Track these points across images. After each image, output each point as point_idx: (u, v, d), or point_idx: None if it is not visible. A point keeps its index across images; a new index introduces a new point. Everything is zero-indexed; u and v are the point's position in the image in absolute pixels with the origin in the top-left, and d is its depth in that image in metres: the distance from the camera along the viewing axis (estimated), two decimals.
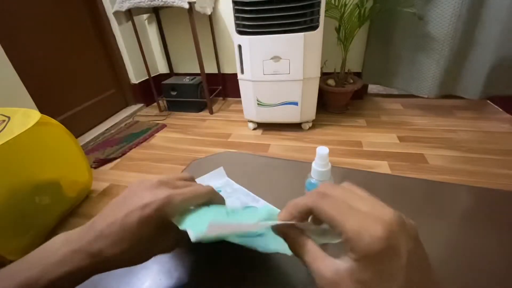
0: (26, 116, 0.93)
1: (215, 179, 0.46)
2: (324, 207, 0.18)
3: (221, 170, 0.46)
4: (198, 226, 0.22)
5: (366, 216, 0.17)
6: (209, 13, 1.72)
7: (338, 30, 1.57)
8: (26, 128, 0.86)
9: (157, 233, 0.23)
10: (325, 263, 0.18)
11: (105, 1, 1.75)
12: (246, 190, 0.43)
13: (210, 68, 2.08)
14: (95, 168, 1.41)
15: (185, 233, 0.22)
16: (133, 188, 0.26)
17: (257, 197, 0.41)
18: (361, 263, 0.16)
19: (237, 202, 0.40)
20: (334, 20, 1.54)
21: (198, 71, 1.81)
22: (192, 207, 0.26)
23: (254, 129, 1.69)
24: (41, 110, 1.12)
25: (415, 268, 0.16)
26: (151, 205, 0.22)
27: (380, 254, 0.15)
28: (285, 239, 0.21)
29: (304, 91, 1.44)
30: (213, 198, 0.28)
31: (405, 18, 1.52)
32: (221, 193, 0.40)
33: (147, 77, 1.99)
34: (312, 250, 0.19)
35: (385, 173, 1.20)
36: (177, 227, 0.23)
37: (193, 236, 0.21)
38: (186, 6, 1.51)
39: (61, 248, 0.21)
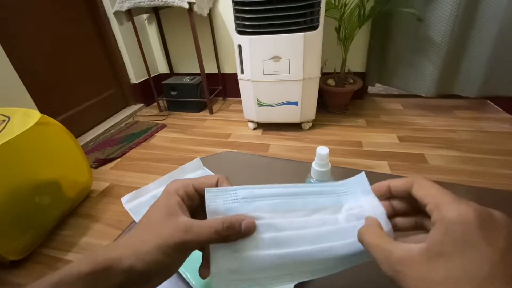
0: (26, 116, 0.93)
1: (192, 172, 0.46)
2: (425, 182, 0.20)
3: (197, 160, 0.47)
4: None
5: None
6: (205, 14, 1.71)
7: (338, 30, 1.56)
8: (26, 128, 0.86)
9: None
10: (393, 244, 0.19)
11: (105, 1, 1.75)
12: None
13: (210, 68, 2.08)
14: (95, 168, 1.41)
15: None
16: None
17: None
18: (448, 236, 0.16)
19: None
20: (334, 20, 1.54)
21: (198, 71, 1.80)
22: None
23: (254, 129, 1.69)
24: (41, 110, 1.12)
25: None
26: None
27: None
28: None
29: (304, 91, 1.44)
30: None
31: (404, 19, 1.52)
32: None
33: (147, 77, 1.99)
34: (376, 231, 0.20)
35: (385, 173, 1.20)
36: None
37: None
38: (186, 6, 1.50)
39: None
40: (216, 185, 0.24)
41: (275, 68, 1.38)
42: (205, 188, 0.22)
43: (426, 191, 0.20)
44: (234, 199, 0.22)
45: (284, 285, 0.22)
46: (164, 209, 0.21)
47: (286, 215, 0.23)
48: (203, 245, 0.22)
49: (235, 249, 0.21)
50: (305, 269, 0.23)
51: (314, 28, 1.27)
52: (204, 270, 0.22)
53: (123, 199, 0.40)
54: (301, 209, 0.23)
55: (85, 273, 0.18)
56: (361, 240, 0.21)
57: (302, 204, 0.23)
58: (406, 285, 0.16)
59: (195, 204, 0.24)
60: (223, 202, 0.22)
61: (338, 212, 0.24)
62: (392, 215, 0.23)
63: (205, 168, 0.48)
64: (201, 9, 1.64)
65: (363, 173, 0.24)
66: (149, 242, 0.20)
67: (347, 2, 1.44)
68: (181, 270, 0.32)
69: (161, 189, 0.43)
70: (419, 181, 0.20)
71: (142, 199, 0.41)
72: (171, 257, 0.20)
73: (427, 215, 0.19)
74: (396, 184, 0.22)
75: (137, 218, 0.38)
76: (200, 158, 0.49)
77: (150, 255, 0.19)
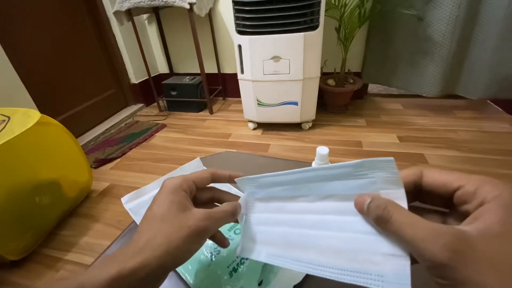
0: (26, 116, 0.93)
1: (191, 172, 0.46)
2: (435, 169, 0.18)
3: (197, 160, 0.47)
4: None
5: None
6: (203, 15, 1.70)
7: (338, 30, 1.56)
8: (26, 128, 0.86)
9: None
10: (438, 224, 0.15)
11: (105, 1, 1.75)
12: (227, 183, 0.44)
13: (210, 68, 2.07)
14: (95, 168, 1.41)
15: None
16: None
17: (237, 190, 0.42)
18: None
19: None
20: (334, 20, 1.54)
21: (198, 71, 1.80)
22: None
23: (254, 129, 1.69)
24: (41, 110, 1.12)
25: None
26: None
27: None
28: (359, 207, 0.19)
29: (304, 91, 1.44)
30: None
31: (404, 19, 1.52)
32: None
33: (147, 77, 1.99)
34: (404, 210, 0.16)
35: None
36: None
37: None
38: (187, 6, 1.50)
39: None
40: (212, 179, 0.28)
41: (275, 68, 1.38)
42: (236, 178, 0.28)
43: (446, 176, 0.17)
44: (255, 186, 0.28)
45: (285, 267, 0.23)
46: (176, 205, 0.23)
47: (294, 199, 0.25)
48: (220, 226, 0.26)
49: (255, 222, 0.28)
50: (305, 256, 0.22)
51: (314, 28, 1.27)
52: (223, 242, 0.28)
53: (123, 199, 0.40)
54: (307, 194, 0.24)
55: (107, 281, 0.18)
56: (385, 221, 0.17)
57: (308, 190, 0.24)
58: (467, 268, 0.13)
59: (192, 196, 0.26)
60: (248, 188, 0.28)
61: (348, 200, 0.21)
62: None
63: (205, 168, 0.48)
64: (200, 10, 1.63)
65: (391, 159, 0.18)
66: (177, 236, 0.21)
67: (347, 2, 1.44)
68: (180, 271, 0.32)
69: None
70: (428, 169, 0.18)
71: (142, 199, 0.41)
72: (198, 244, 0.23)
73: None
74: (403, 175, 0.19)
75: (137, 218, 0.38)
76: (200, 158, 0.49)
77: (181, 247, 0.21)
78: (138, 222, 0.38)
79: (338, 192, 0.22)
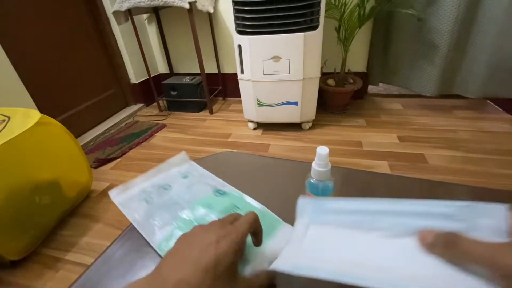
0: (26, 116, 0.93)
1: (178, 165, 0.48)
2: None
3: (183, 154, 0.48)
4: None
5: None
6: (212, 11, 1.71)
7: (338, 30, 1.57)
8: (26, 128, 0.86)
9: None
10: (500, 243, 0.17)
11: (105, 1, 1.75)
12: (212, 175, 0.45)
13: (210, 68, 2.08)
14: (95, 168, 1.41)
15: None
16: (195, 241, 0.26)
17: (223, 182, 0.43)
18: None
19: (206, 187, 0.42)
20: (334, 20, 1.54)
21: (198, 71, 1.81)
22: None
23: (254, 129, 1.69)
24: (41, 110, 1.12)
25: None
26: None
27: None
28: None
29: (304, 91, 1.44)
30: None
31: (405, 19, 1.52)
32: (188, 179, 0.43)
33: (147, 77, 1.99)
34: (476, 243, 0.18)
35: (385, 173, 1.20)
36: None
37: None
38: (187, 6, 1.50)
39: None
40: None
41: (275, 68, 1.38)
42: (299, 198, 0.26)
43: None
44: (322, 209, 0.25)
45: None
46: (228, 267, 0.23)
47: (367, 232, 0.22)
48: None
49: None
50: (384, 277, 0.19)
51: (314, 28, 1.27)
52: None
53: (111, 193, 0.40)
54: (386, 228, 0.21)
55: None
56: (453, 245, 0.18)
57: (390, 223, 0.21)
58: None
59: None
60: (312, 210, 0.25)
61: None
62: None
63: (191, 161, 0.49)
64: (205, 6, 1.63)
65: (502, 207, 0.18)
66: None
67: (347, 2, 1.44)
68: None
69: (148, 183, 0.43)
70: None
71: (131, 192, 0.41)
72: None
73: None
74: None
75: (126, 212, 0.38)
76: (200, 158, 0.49)
77: None
78: (127, 215, 0.38)
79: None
